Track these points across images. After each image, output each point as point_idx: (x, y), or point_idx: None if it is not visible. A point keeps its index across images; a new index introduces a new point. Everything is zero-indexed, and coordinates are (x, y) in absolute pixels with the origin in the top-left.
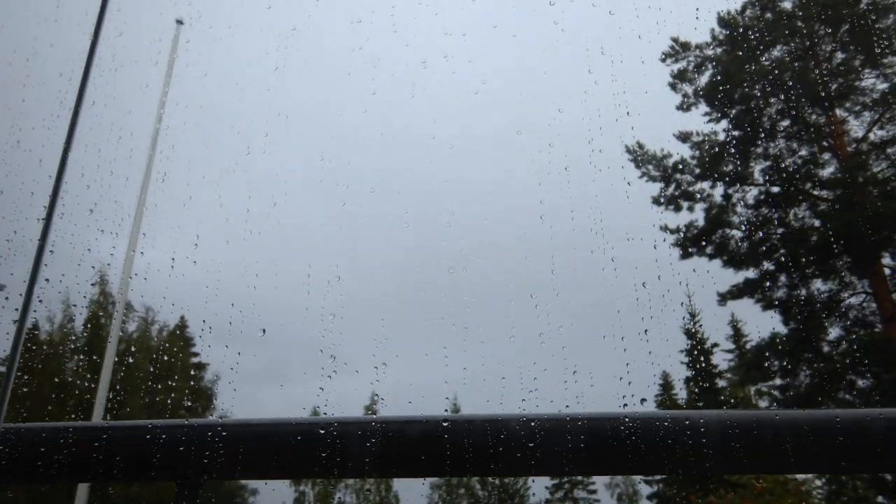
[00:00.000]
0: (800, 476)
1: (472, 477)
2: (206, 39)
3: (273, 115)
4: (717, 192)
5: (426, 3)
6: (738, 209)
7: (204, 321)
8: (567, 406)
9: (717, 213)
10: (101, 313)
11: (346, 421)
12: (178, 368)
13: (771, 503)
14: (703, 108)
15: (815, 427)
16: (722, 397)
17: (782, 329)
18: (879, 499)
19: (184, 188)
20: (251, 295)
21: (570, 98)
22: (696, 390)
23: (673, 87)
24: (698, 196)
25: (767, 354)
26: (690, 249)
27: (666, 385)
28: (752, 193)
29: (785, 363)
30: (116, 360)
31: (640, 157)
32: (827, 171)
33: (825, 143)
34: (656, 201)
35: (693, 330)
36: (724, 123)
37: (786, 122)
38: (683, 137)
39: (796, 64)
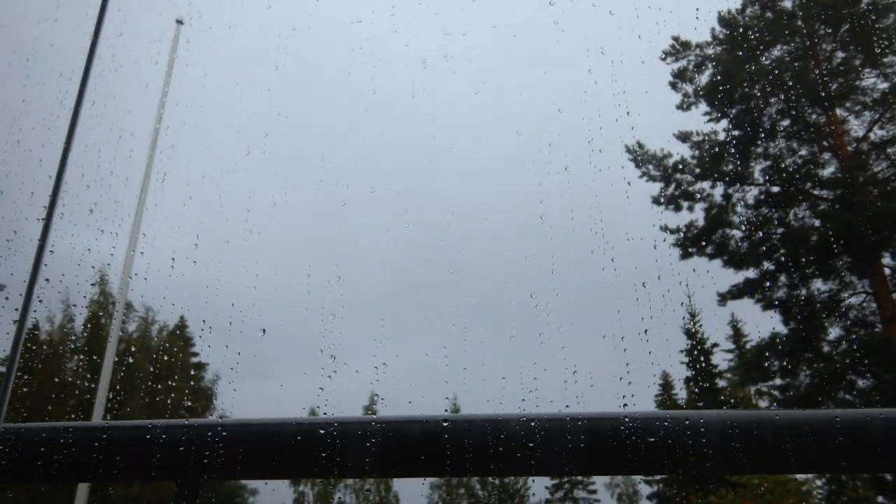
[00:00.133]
0: (800, 476)
1: (472, 477)
2: (206, 39)
3: (273, 115)
4: (717, 192)
5: (426, 3)
6: (738, 209)
7: (204, 321)
8: (567, 406)
9: (717, 213)
10: (101, 313)
11: (346, 421)
12: (178, 368)
13: (771, 503)
14: (703, 107)
15: (815, 427)
16: (722, 397)
17: (782, 329)
18: (879, 499)
19: (184, 188)
20: (251, 295)
21: (570, 98)
22: (696, 390)
23: (673, 86)
24: (698, 196)
25: (767, 354)
26: (690, 249)
27: (666, 385)
28: (752, 193)
29: (785, 363)
30: (116, 360)
31: (640, 157)
32: (827, 171)
33: (825, 143)
34: (656, 201)
35: (693, 330)
36: (724, 123)
37: (786, 122)
38: (683, 137)
39: (796, 64)
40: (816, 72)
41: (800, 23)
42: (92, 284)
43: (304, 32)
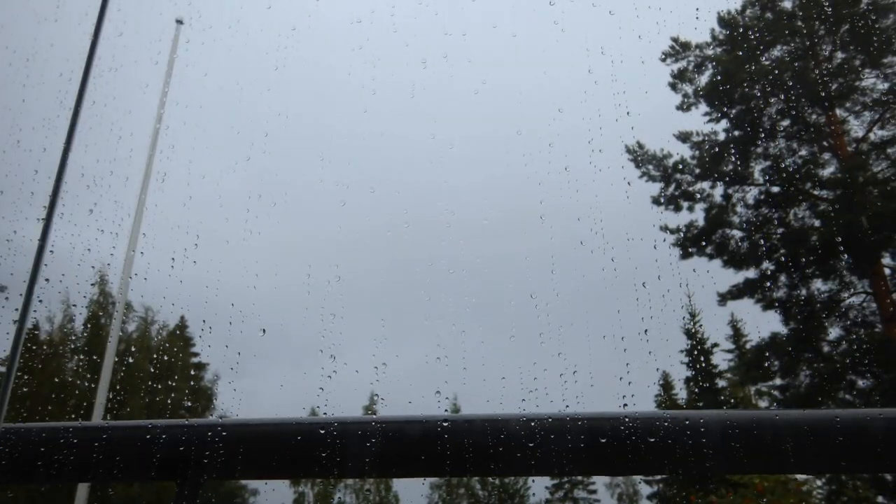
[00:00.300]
0: (800, 476)
1: (472, 477)
2: (206, 39)
3: (273, 115)
4: (717, 192)
5: (426, 3)
6: (738, 209)
7: (204, 321)
8: (567, 406)
9: (717, 213)
10: (101, 313)
11: (346, 421)
12: (178, 368)
13: (771, 503)
14: (703, 108)
15: (815, 427)
16: (722, 397)
17: (782, 329)
18: (879, 499)
19: (184, 188)
20: (251, 295)
21: (570, 98)
22: (696, 390)
23: (673, 87)
24: (698, 196)
25: (767, 354)
26: (690, 249)
27: (666, 385)
28: (752, 193)
29: (785, 363)
30: (116, 360)
31: (640, 157)
32: (827, 171)
33: (825, 143)
34: (656, 201)
35: (693, 330)
36: (724, 123)
37: (786, 123)
38: (683, 137)
39: (796, 64)
40: (816, 72)
41: (800, 23)
42: (92, 284)
43: (304, 32)
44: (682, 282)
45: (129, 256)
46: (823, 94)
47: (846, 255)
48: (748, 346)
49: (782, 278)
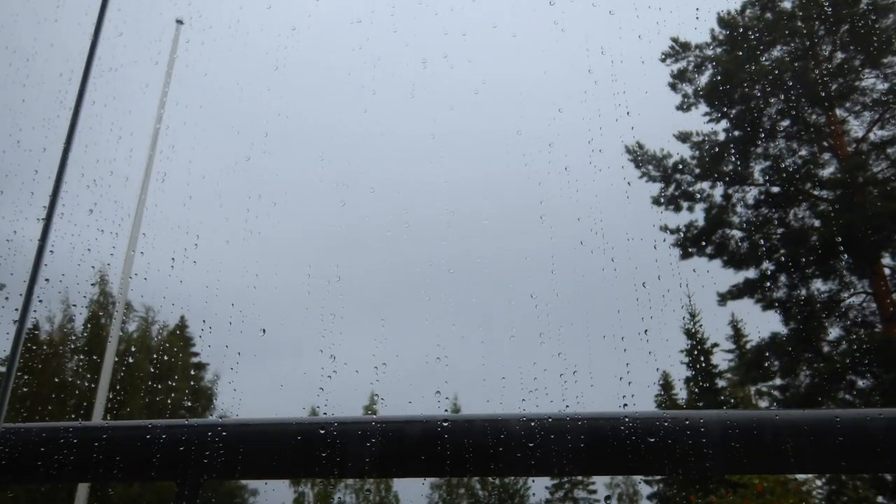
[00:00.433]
0: (800, 476)
1: (472, 477)
2: (206, 39)
3: (273, 115)
4: (717, 192)
5: (426, 3)
6: (738, 209)
7: (204, 321)
8: (567, 406)
9: (717, 213)
10: (101, 313)
11: (346, 421)
12: (178, 368)
13: (771, 503)
14: (703, 108)
15: (815, 427)
16: (722, 397)
17: (782, 329)
18: (879, 499)
19: (184, 188)
20: (251, 295)
21: (570, 98)
22: (696, 390)
23: (673, 87)
24: (698, 196)
25: (767, 354)
26: (690, 249)
27: (666, 385)
28: (752, 193)
29: (785, 363)
30: (116, 360)
31: (640, 157)
32: (827, 171)
33: (825, 143)
34: (656, 201)
35: (693, 330)
36: (724, 123)
37: (786, 123)
38: (683, 137)
39: (796, 64)
40: (816, 72)
41: (800, 23)
42: (92, 284)
43: (304, 32)
44: (682, 282)
45: (129, 256)
46: (823, 94)
47: (846, 255)
48: (748, 346)
49: (782, 278)
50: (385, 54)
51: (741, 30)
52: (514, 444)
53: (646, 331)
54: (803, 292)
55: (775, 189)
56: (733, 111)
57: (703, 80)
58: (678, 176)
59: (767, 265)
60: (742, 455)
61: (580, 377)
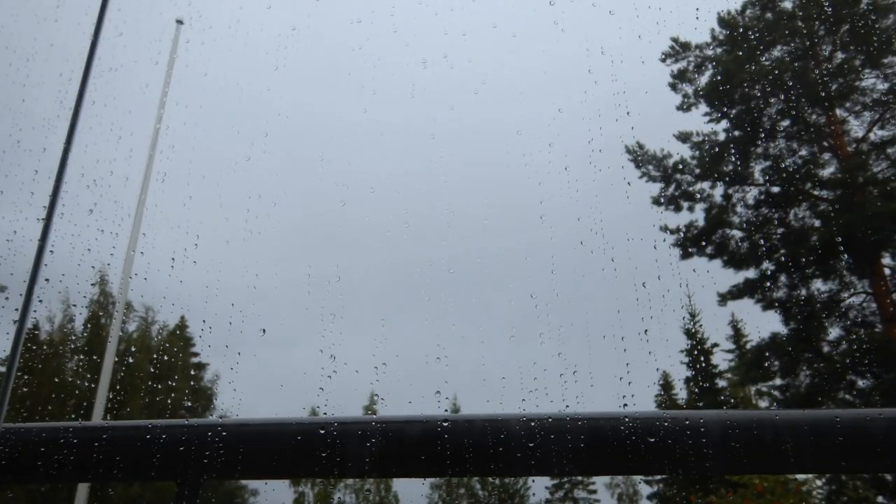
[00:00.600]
0: (800, 476)
1: (472, 477)
2: (206, 39)
3: (273, 115)
4: (717, 192)
5: (426, 3)
6: (738, 209)
7: (204, 321)
8: (567, 406)
9: (717, 213)
10: (101, 313)
11: (346, 421)
12: (178, 368)
13: (771, 503)
14: (703, 108)
15: (815, 427)
16: (722, 397)
17: (782, 329)
18: (879, 499)
19: (184, 188)
20: (251, 295)
21: (570, 98)
22: (696, 390)
23: (673, 87)
24: (698, 196)
25: (767, 354)
26: (690, 249)
27: (666, 385)
28: (752, 193)
29: (785, 363)
30: (116, 360)
31: (640, 157)
32: (827, 171)
33: (825, 143)
34: (656, 201)
35: (693, 330)
36: (724, 123)
37: (786, 123)
38: (683, 137)
39: (796, 64)
40: (816, 72)
41: (800, 23)
42: (92, 284)
43: (304, 32)
44: (682, 282)
45: (129, 256)
46: (823, 94)
47: (846, 255)
48: (748, 346)
49: (782, 278)
50: (385, 54)
51: (741, 30)
52: (514, 444)
53: (646, 331)
54: (803, 292)
55: (775, 189)
56: (733, 111)
57: (704, 80)
58: (678, 176)
59: (767, 265)
60: (742, 455)
61: (580, 377)
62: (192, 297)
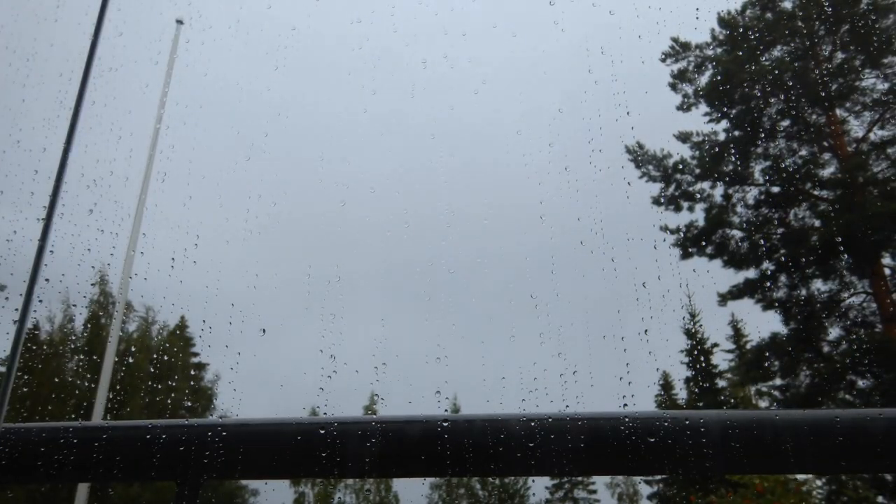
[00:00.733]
0: (800, 476)
1: (472, 477)
2: (206, 39)
3: (273, 115)
4: (717, 192)
5: (426, 3)
6: (738, 209)
7: (204, 321)
8: (567, 406)
9: (717, 213)
10: (101, 313)
11: (346, 421)
12: (178, 368)
13: (771, 503)
14: (703, 108)
15: (815, 427)
16: (722, 397)
17: (782, 329)
18: (879, 499)
19: (184, 188)
20: (251, 295)
21: (570, 98)
22: (696, 390)
23: (673, 87)
24: (698, 196)
25: (767, 354)
26: (690, 249)
27: (666, 385)
28: (752, 193)
29: (785, 363)
30: (116, 360)
31: (640, 157)
32: (827, 171)
33: (825, 143)
34: (656, 201)
35: (693, 330)
36: (724, 123)
37: (786, 123)
38: (683, 137)
39: (796, 64)
40: (816, 72)
41: (800, 23)
42: (92, 284)
43: (304, 32)
44: (682, 282)
45: (129, 256)
46: (823, 94)
47: (846, 255)
48: (748, 346)
49: (782, 278)
50: (385, 54)
51: (741, 30)
52: (514, 444)
53: (646, 331)
54: (803, 292)
55: (775, 189)
56: (733, 111)
57: (704, 80)
58: (678, 176)
59: (767, 265)
60: (742, 455)
61: (580, 377)
62: (192, 297)
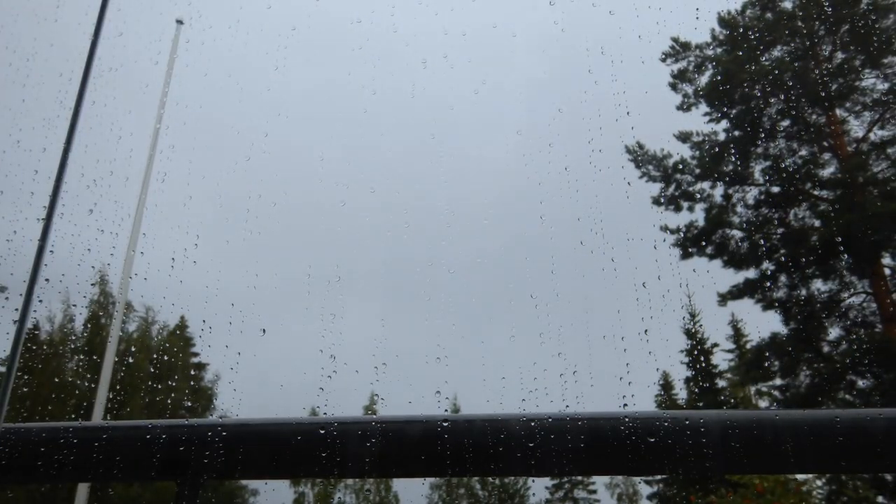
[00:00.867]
0: (800, 476)
1: (472, 477)
2: (206, 39)
3: (273, 115)
4: (717, 192)
5: (426, 3)
6: (738, 209)
7: (204, 321)
8: (567, 406)
9: (717, 213)
10: (101, 313)
11: (346, 421)
12: (178, 368)
13: (771, 503)
14: (703, 108)
15: (815, 427)
16: (722, 397)
17: (782, 329)
18: (879, 499)
19: (184, 188)
20: (251, 295)
21: (570, 98)
22: (696, 390)
23: (673, 87)
24: (698, 196)
25: (767, 354)
26: (690, 249)
27: (666, 385)
28: (752, 193)
29: (785, 363)
30: (116, 360)
31: (640, 157)
32: (827, 171)
33: (825, 143)
34: (656, 201)
35: (693, 330)
36: (724, 123)
37: (786, 123)
38: (683, 137)
39: (796, 64)
40: (816, 72)
41: (800, 23)
42: (92, 284)
43: (304, 32)
44: (682, 282)
45: (129, 256)
46: (823, 94)
47: (846, 255)
48: (748, 346)
49: (782, 278)
50: (385, 54)
51: (741, 30)
52: (514, 444)
53: (646, 331)
54: (803, 292)
55: (775, 189)
56: (733, 111)
57: (704, 80)
58: (678, 176)
59: (767, 265)
60: (742, 455)
61: (580, 377)
62: (192, 297)
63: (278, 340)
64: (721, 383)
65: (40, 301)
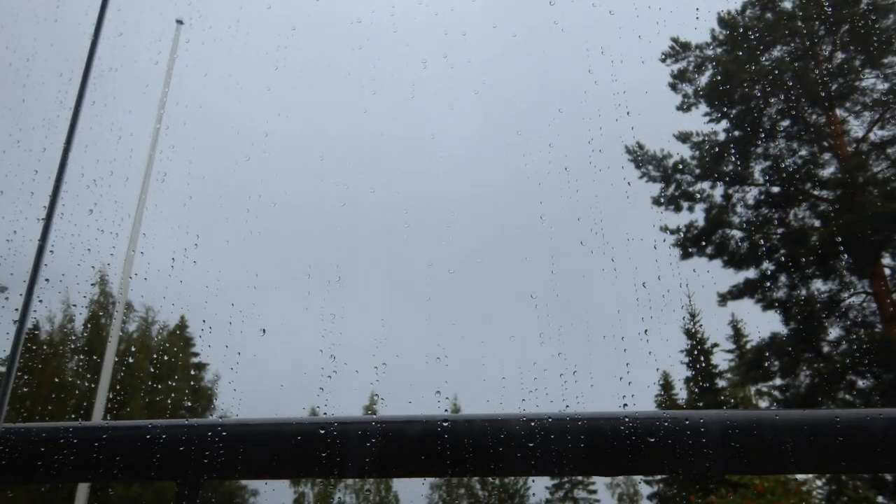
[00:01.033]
0: (800, 476)
1: (472, 477)
2: (206, 39)
3: (273, 115)
4: (717, 192)
5: (426, 3)
6: (738, 209)
7: (204, 321)
8: (567, 406)
9: (717, 213)
10: (101, 313)
11: (346, 421)
12: (178, 368)
13: (771, 503)
14: (703, 108)
15: (815, 427)
16: (722, 397)
17: (782, 329)
18: (879, 499)
19: (184, 188)
20: (251, 295)
21: (570, 98)
22: (696, 390)
23: (673, 87)
24: (698, 196)
25: (767, 354)
26: (690, 249)
27: (666, 385)
28: (752, 193)
29: (785, 363)
30: (116, 360)
31: (640, 157)
32: (827, 171)
33: (825, 143)
34: (656, 201)
35: (693, 330)
36: (724, 123)
37: (786, 123)
38: (683, 137)
39: (796, 64)
40: (816, 72)
41: (800, 23)
42: (92, 284)
43: (304, 32)
44: (682, 282)
45: (129, 256)
46: (823, 94)
47: (846, 255)
48: (748, 346)
49: (782, 278)
50: (385, 54)
51: (741, 30)
52: (514, 444)
53: (646, 331)
54: (803, 292)
55: (775, 189)
56: (733, 111)
57: (704, 80)
58: (678, 176)
59: (767, 265)
60: (742, 455)
61: (580, 377)
62: (192, 297)
63: (278, 340)
64: (721, 383)
65: (40, 301)
